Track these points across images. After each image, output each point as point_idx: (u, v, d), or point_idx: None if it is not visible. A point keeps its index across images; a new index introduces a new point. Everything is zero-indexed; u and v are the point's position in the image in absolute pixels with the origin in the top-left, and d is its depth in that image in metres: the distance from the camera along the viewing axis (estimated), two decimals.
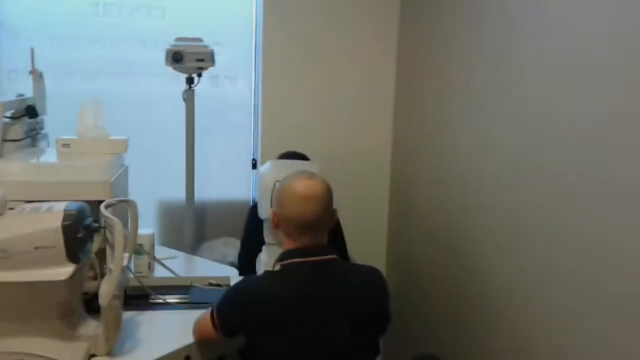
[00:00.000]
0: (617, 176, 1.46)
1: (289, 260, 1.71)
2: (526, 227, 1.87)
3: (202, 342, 1.83)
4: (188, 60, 2.41)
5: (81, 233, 1.60)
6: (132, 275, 2.27)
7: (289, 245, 1.73)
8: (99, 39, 2.86)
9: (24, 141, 2.20)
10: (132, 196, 2.78)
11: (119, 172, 2.09)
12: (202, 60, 2.42)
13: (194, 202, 2.71)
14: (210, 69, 2.81)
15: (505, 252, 2.00)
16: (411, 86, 2.81)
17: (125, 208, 1.81)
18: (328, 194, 1.72)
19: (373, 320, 1.72)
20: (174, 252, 2.67)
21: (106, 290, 1.63)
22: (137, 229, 1.83)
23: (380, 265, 3.15)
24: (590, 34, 1.58)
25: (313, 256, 1.71)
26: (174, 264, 2.35)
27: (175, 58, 2.39)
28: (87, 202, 1.73)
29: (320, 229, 1.72)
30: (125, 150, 2.15)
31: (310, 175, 1.73)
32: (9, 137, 2.15)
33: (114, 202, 1.78)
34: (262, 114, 2.91)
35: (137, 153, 2.83)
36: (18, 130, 2.18)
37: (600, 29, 1.53)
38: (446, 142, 2.43)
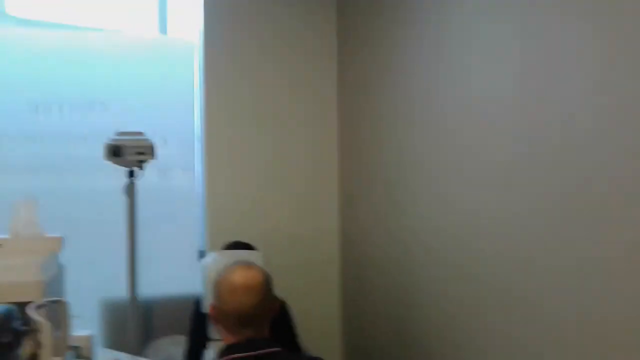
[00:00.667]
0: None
1: (230, 356, 1.64)
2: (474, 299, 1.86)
3: None
4: (128, 153, 2.40)
5: (8, 337, 1.53)
6: None
7: (229, 340, 1.66)
8: (38, 136, 2.83)
9: None
10: (72, 296, 2.69)
11: (54, 271, 2.02)
12: (142, 153, 2.41)
13: (138, 300, 2.61)
14: (157, 161, 2.83)
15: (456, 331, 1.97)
16: (357, 158, 2.84)
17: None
18: (267, 283, 1.68)
19: None
20: (117, 354, 2.55)
21: None
22: (68, 330, 1.75)
23: (337, 354, 3.06)
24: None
25: (255, 350, 1.65)
26: None
27: (115, 152, 2.38)
28: (20, 303, 1.67)
29: (261, 320, 1.67)
30: (60, 249, 2.09)
31: (248, 266, 1.69)
32: None
33: (44, 302, 1.71)
34: (206, 203, 2.89)
35: (79, 250, 2.78)
36: None
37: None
38: (395, 221, 2.43)
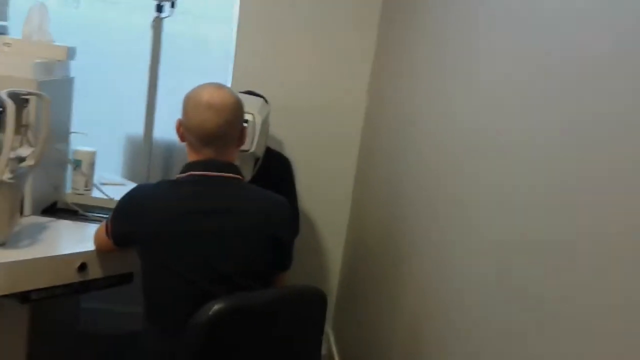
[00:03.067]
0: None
1: (189, 172, 1.63)
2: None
3: (101, 251, 1.77)
4: None
5: None
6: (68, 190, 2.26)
7: (191, 157, 1.65)
8: None
9: None
10: (96, 126, 2.78)
11: (55, 77, 2.05)
12: None
13: (152, 139, 2.64)
14: (195, 9, 2.79)
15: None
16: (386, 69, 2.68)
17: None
18: (235, 106, 1.63)
19: (264, 245, 1.61)
20: (125, 181, 2.63)
21: None
22: (49, 128, 1.78)
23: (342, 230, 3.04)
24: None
25: (214, 171, 1.62)
26: (118, 190, 2.31)
27: None
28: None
29: (224, 143, 1.63)
30: (67, 58, 2.11)
31: (220, 86, 1.65)
32: None
33: (23, 92, 1.74)
34: (235, 57, 2.84)
35: (112, 83, 2.86)
36: None
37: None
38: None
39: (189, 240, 1.55)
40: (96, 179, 2.45)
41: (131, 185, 2.55)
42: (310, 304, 1.61)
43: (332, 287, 3.07)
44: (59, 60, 2.08)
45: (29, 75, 1.88)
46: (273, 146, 2.67)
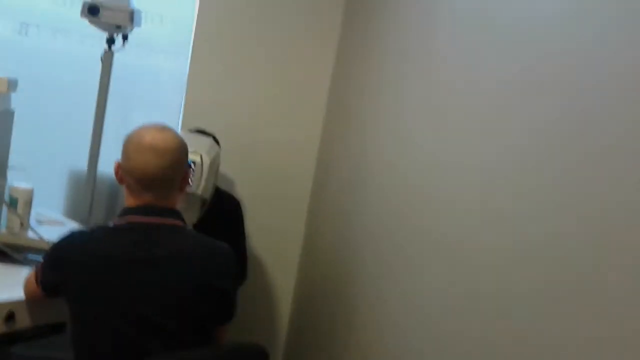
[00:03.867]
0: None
1: (125, 217, 1.54)
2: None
3: (30, 299, 1.65)
4: (104, 15, 2.28)
5: None
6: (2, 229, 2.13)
7: (129, 202, 1.56)
8: None
9: None
10: (40, 160, 2.66)
11: None
12: (120, 17, 2.29)
13: (98, 177, 2.53)
14: (149, 41, 2.71)
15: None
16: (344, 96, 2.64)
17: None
18: (179, 149, 1.55)
19: (202, 295, 1.52)
20: (65, 219, 2.50)
21: None
22: None
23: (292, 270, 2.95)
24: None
25: (153, 217, 1.53)
26: (55, 231, 2.18)
27: (90, 10, 2.26)
28: None
29: (165, 187, 1.55)
30: (7, 91, 2.00)
31: (163, 127, 1.56)
32: None
33: None
34: (186, 91, 2.76)
35: (58, 115, 2.74)
36: None
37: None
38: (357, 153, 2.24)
39: (122, 292, 1.45)
40: (34, 216, 2.33)
41: (70, 224, 2.44)
42: None
43: (281, 330, 2.97)
44: None
45: None
46: (223, 184, 2.59)
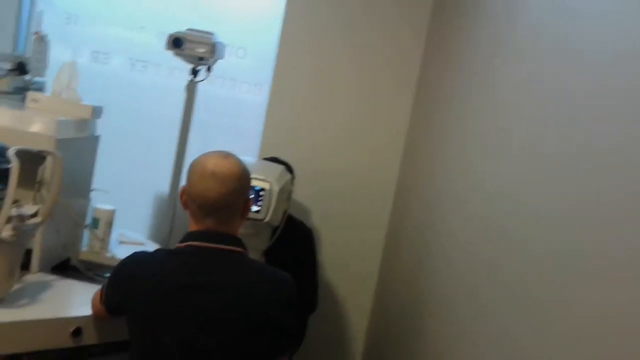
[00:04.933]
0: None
1: (187, 243, 1.57)
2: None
3: (95, 316, 1.71)
4: (188, 47, 2.38)
5: None
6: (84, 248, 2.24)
7: (192, 227, 1.59)
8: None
9: (11, 95, 2.25)
10: (125, 183, 2.79)
11: (78, 135, 2.06)
12: (203, 49, 2.38)
13: (177, 201, 2.60)
14: (232, 73, 2.81)
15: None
16: (423, 128, 2.59)
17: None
18: (241, 176, 1.56)
19: (257, 325, 1.51)
20: (146, 240, 2.59)
21: None
22: (59, 185, 1.76)
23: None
24: None
25: (213, 243, 1.55)
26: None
27: (175, 43, 2.36)
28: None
29: (226, 213, 1.56)
30: (92, 117, 2.12)
31: (226, 154, 1.59)
32: None
33: (33, 150, 1.74)
34: (265, 120, 2.81)
35: (148, 143, 2.88)
36: (6, 82, 2.23)
37: None
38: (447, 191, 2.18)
39: (178, 316, 1.47)
40: (116, 237, 2.44)
41: (150, 245, 2.52)
42: None
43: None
44: (83, 119, 2.09)
45: (51, 132, 1.88)
46: (298, 213, 2.60)
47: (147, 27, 2.93)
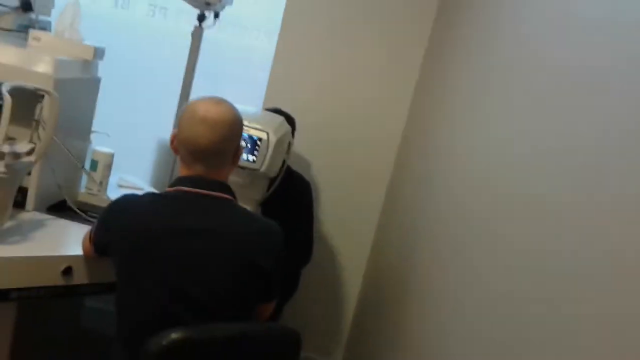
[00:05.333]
0: None
1: (177, 187, 1.56)
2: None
3: (86, 256, 1.73)
4: None
5: None
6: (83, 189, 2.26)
7: (182, 172, 1.59)
8: None
9: (15, 33, 2.22)
10: (128, 128, 2.79)
11: (78, 75, 2.04)
12: None
13: None
14: (243, 20, 2.79)
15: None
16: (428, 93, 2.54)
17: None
18: (232, 123, 1.55)
19: (242, 271, 1.51)
20: (146, 185, 2.60)
21: None
22: (55, 125, 1.75)
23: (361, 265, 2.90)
24: None
25: (202, 189, 1.55)
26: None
27: None
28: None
29: (216, 160, 1.55)
30: (94, 58, 2.10)
31: (219, 100, 1.57)
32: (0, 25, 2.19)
33: (29, 86, 1.72)
34: (271, 69, 2.77)
35: (153, 89, 2.86)
36: (10, 20, 2.21)
37: None
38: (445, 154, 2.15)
39: (164, 261, 1.48)
40: (116, 180, 2.45)
41: (149, 189, 2.53)
42: (281, 345, 1.50)
43: (346, 320, 2.94)
44: (85, 60, 2.07)
45: (50, 71, 1.87)
46: (298, 167, 2.58)
47: None
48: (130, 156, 2.60)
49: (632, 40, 1.03)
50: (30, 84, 1.74)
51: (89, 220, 1.99)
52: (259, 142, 1.99)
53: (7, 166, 1.61)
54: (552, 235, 1.14)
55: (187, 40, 2.55)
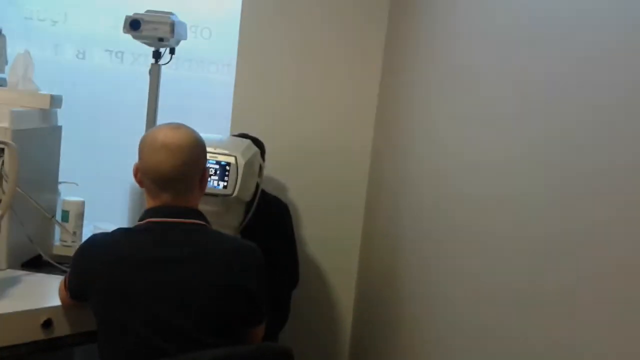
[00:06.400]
0: None
1: (146, 220, 1.53)
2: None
3: (64, 305, 1.68)
4: (145, 28, 2.31)
5: None
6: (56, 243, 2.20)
7: (149, 203, 1.55)
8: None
9: None
10: (96, 175, 2.75)
11: (37, 125, 2.01)
12: (161, 30, 2.32)
13: None
14: (199, 55, 2.79)
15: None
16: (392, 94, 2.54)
17: None
18: (193, 146, 1.52)
19: (225, 295, 1.47)
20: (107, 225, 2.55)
21: None
22: (16, 177, 1.71)
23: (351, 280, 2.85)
24: None
25: (172, 217, 1.51)
26: None
27: (132, 25, 2.30)
28: None
29: (182, 186, 1.52)
30: (51, 107, 2.07)
31: (178, 125, 1.55)
32: None
33: None
34: (233, 99, 2.76)
35: (116, 133, 2.82)
36: None
37: None
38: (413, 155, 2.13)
39: (142, 294, 1.43)
40: (90, 229, 2.39)
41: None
42: None
43: (344, 338, 2.88)
44: (42, 109, 2.04)
45: (5, 123, 1.83)
46: (273, 190, 2.55)
47: (106, 14, 2.86)
48: (101, 203, 2.55)
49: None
50: None
51: (66, 272, 1.93)
52: (227, 167, 1.97)
53: None
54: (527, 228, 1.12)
55: (146, 81, 2.54)
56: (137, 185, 2.73)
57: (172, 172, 1.48)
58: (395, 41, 2.60)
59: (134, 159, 2.57)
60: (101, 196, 2.56)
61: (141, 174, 1.54)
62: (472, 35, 1.61)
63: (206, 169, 1.57)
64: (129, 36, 2.36)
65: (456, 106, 1.66)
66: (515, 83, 1.28)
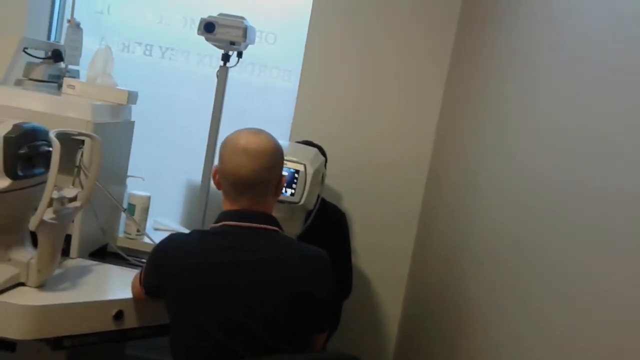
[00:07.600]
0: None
1: (222, 223, 1.56)
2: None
3: (136, 299, 1.72)
4: (219, 31, 2.37)
5: (24, 149, 1.58)
6: (121, 234, 2.26)
7: (226, 206, 1.58)
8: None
9: (47, 84, 2.26)
10: (159, 171, 2.81)
11: (114, 120, 2.06)
12: (234, 34, 2.37)
13: (210, 187, 2.61)
14: (262, 60, 2.84)
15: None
16: (455, 109, 2.55)
17: None
18: (273, 152, 1.54)
19: (295, 302, 1.49)
20: (181, 227, 2.60)
21: (36, 214, 1.57)
22: (98, 169, 1.77)
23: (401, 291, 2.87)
24: None
25: (248, 222, 1.54)
26: None
27: (207, 27, 2.36)
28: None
29: (260, 191, 1.55)
30: (128, 102, 2.12)
31: (258, 131, 1.57)
32: (31, 76, 2.23)
33: (73, 132, 1.74)
34: (295, 105, 2.80)
35: (180, 131, 2.89)
36: (41, 71, 2.25)
37: None
38: (480, 172, 2.14)
39: (215, 296, 1.46)
40: (152, 223, 2.45)
41: (185, 231, 2.53)
42: None
43: (389, 347, 2.89)
44: (119, 104, 2.10)
45: (87, 116, 1.89)
46: (330, 197, 2.59)
47: (176, 15, 2.93)
48: (162, 199, 2.61)
49: None
50: (73, 129, 1.76)
51: (133, 264, 1.99)
52: (296, 175, 2.00)
53: (55, 212, 1.62)
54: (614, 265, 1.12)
55: (208, 82, 2.59)
56: (193, 182, 2.85)
57: (252, 176, 1.51)
58: (463, 54, 2.61)
59: (193, 156, 2.67)
60: (159, 191, 2.62)
61: (220, 176, 1.57)
62: (559, 44, 1.58)
63: (282, 176, 1.60)
64: (201, 38, 2.42)
65: (540, 123, 1.62)
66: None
